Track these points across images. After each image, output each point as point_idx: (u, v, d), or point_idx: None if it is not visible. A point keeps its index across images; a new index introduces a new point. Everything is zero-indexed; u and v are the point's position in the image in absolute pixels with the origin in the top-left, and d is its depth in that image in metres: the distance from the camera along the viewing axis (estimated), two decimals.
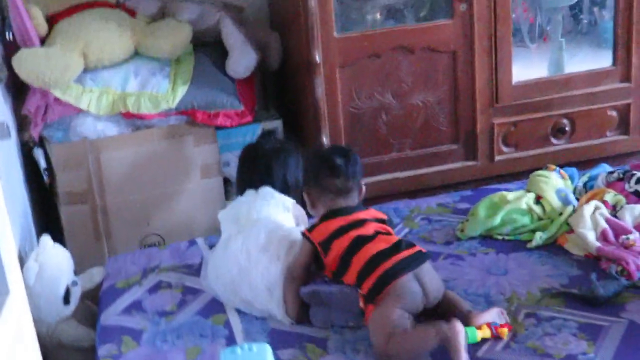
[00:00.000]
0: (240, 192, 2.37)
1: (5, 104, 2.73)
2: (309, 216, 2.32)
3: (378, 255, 1.92)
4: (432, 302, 1.92)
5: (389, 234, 2.04)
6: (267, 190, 2.29)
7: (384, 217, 2.11)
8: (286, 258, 2.11)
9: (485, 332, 1.89)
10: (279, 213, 2.24)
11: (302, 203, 2.34)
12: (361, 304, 1.95)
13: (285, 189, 2.32)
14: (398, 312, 1.85)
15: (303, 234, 2.08)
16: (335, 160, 2.06)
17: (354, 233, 1.99)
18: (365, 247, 1.95)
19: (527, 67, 3.23)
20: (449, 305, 1.95)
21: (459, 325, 1.79)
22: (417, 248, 1.96)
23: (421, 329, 1.86)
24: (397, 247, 1.93)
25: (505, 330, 1.90)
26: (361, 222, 2.03)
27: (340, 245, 1.99)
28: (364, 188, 2.14)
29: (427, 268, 1.93)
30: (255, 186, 2.31)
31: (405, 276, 1.87)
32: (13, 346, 1.36)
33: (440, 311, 1.94)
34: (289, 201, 2.30)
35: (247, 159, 2.41)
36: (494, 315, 1.92)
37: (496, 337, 1.90)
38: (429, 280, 1.91)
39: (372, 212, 2.11)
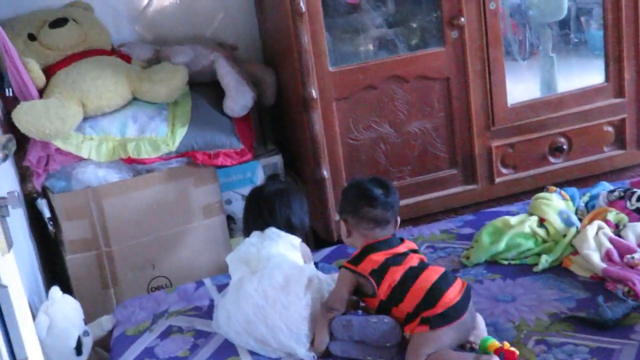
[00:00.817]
0: (247, 234, 2.39)
1: (15, 175, 2.77)
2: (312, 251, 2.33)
3: (436, 287, 2.00)
4: (473, 327, 2.04)
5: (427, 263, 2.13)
6: (272, 231, 2.32)
7: (416, 247, 2.18)
8: (305, 295, 2.13)
9: (493, 347, 1.94)
10: (287, 251, 2.26)
11: (306, 242, 2.39)
12: (407, 332, 2.01)
13: (290, 230, 2.35)
14: (452, 338, 1.96)
15: (345, 267, 2.11)
16: (374, 191, 2.12)
17: (406, 264, 2.06)
18: (421, 277, 2.02)
19: (519, 83, 3.26)
20: None
21: (495, 358, 1.87)
22: (462, 282, 2.05)
23: (460, 355, 1.94)
24: (446, 277, 2.03)
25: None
26: (404, 255, 2.10)
27: (393, 275, 2.04)
28: (399, 220, 2.20)
29: (471, 300, 2.05)
30: (261, 228, 2.34)
31: (465, 314, 1.98)
32: None
33: None
34: (296, 240, 2.32)
35: (252, 201, 2.44)
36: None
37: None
38: (472, 310, 2.05)
39: (407, 245, 2.16)
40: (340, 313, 2.11)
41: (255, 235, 2.34)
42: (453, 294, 1.99)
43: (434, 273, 2.04)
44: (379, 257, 2.07)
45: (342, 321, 2.07)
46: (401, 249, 2.12)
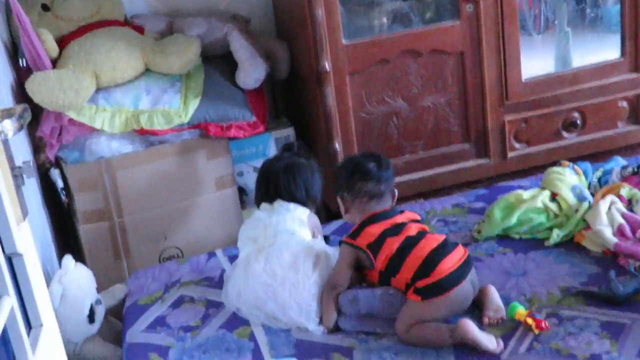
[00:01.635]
0: (257, 204, 2.41)
1: (28, 146, 2.79)
2: (323, 223, 2.34)
3: (432, 255, 2.01)
4: (475, 295, 2.06)
5: (427, 232, 2.13)
6: (281, 204, 2.32)
7: (418, 217, 2.19)
8: (314, 272, 2.15)
9: (522, 316, 1.97)
10: (295, 226, 2.26)
11: (317, 214, 2.39)
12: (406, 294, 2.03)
13: (298, 202, 2.35)
14: (441, 313, 1.98)
15: (343, 242, 2.13)
16: (367, 165, 2.15)
17: (402, 235, 2.07)
18: (418, 247, 2.04)
19: (533, 58, 3.23)
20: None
21: (465, 322, 1.91)
22: (463, 250, 2.07)
23: (437, 327, 1.96)
24: (445, 245, 2.04)
25: (538, 326, 1.94)
26: (402, 225, 2.11)
27: (390, 246, 2.06)
28: (396, 192, 2.22)
29: (473, 268, 2.07)
30: (270, 200, 2.35)
31: (463, 282, 2.00)
32: None
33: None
34: (304, 213, 2.32)
35: (261, 175, 2.45)
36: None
37: (529, 327, 1.95)
38: (475, 279, 2.06)
39: (407, 215, 2.18)
40: (344, 289, 2.12)
41: (264, 207, 2.35)
42: (450, 263, 2.00)
43: (431, 242, 2.05)
44: (375, 229, 2.09)
45: (349, 296, 2.08)
46: (399, 219, 2.13)
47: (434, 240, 2.06)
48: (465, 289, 2.02)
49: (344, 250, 2.13)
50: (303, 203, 2.37)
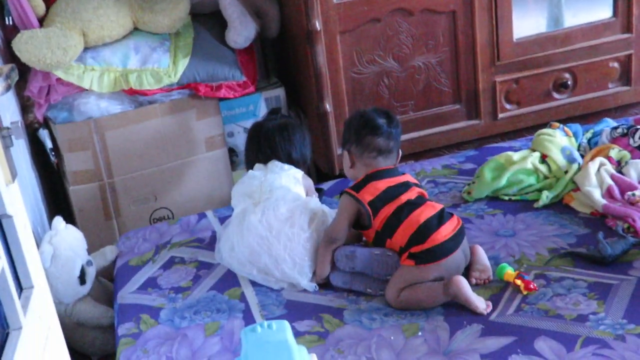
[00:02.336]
0: (249, 167, 2.40)
1: (16, 105, 2.76)
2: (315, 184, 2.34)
3: (428, 223, 2.02)
4: (467, 263, 2.09)
5: (427, 198, 2.15)
6: (275, 164, 2.33)
7: (417, 182, 2.20)
8: (309, 227, 2.17)
9: (511, 277, 2.00)
10: (290, 184, 2.27)
11: (308, 174, 2.40)
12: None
13: (291, 164, 2.35)
14: (434, 277, 1.99)
15: (347, 193, 2.12)
16: (378, 120, 2.15)
17: (402, 197, 2.08)
18: (415, 213, 2.04)
19: (525, 17, 3.20)
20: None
21: (459, 279, 1.93)
22: (457, 220, 2.07)
23: (429, 286, 1.98)
24: (441, 215, 2.05)
25: (527, 288, 1.96)
26: (407, 185, 2.12)
27: (390, 207, 2.07)
28: (401, 153, 2.23)
29: (465, 238, 2.08)
30: (264, 161, 2.35)
31: (457, 251, 2.02)
32: (43, 343, 1.40)
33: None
34: (298, 173, 2.33)
35: (253, 137, 2.44)
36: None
37: (518, 288, 1.98)
38: (467, 248, 2.09)
39: (409, 177, 2.18)
40: (342, 243, 2.13)
41: (259, 167, 2.35)
42: (445, 232, 2.01)
43: (429, 209, 2.05)
44: (380, 185, 2.10)
45: (346, 252, 2.09)
46: (404, 178, 2.14)
47: (432, 208, 2.06)
48: (457, 258, 2.03)
49: (345, 201, 2.12)
50: (297, 163, 2.37)
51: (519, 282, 1.97)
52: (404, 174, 2.18)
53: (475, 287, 2.01)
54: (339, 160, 2.97)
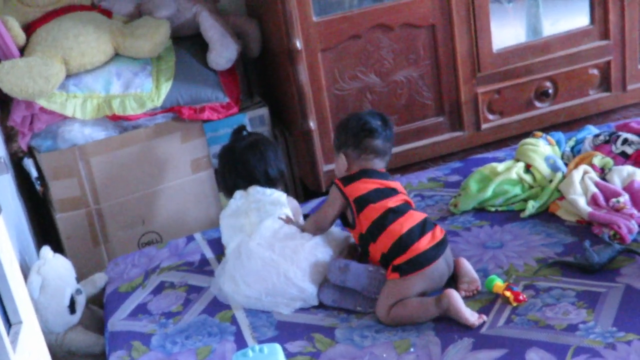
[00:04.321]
0: (228, 194, 2.40)
1: (0, 136, 2.76)
2: (301, 202, 2.34)
3: (410, 232, 2.04)
4: (450, 274, 2.10)
5: (412, 206, 2.17)
6: (257, 190, 2.32)
7: (404, 192, 2.22)
8: (313, 238, 2.20)
9: (500, 289, 2.00)
10: (277, 210, 2.27)
11: (286, 191, 2.44)
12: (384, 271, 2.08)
13: (270, 183, 2.35)
14: (420, 287, 2.02)
15: (336, 185, 2.15)
16: (374, 123, 2.19)
17: (387, 203, 2.10)
18: (399, 220, 2.06)
19: (504, 27, 3.23)
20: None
21: (451, 292, 1.95)
22: (440, 230, 2.10)
23: (421, 300, 1.99)
24: (424, 225, 2.07)
25: (516, 299, 1.97)
26: (394, 191, 2.15)
27: (373, 211, 2.09)
28: (390, 157, 2.28)
29: (448, 248, 2.10)
30: (243, 187, 2.34)
31: (438, 260, 2.04)
32: None
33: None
34: (283, 196, 2.33)
35: (227, 162, 2.43)
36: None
37: (507, 299, 1.98)
38: (450, 258, 2.10)
39: (399, 185, 2.21)
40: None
41: (239, 196, 2.34)
42: (426, 241, 2.03)
43: (412, 218, 2.08)
44: (370, 184, 2.13)
45: (340, 264, 2.09)
46: (393, 184, 2.18)
47: (414, 218, 2.08)
48: (440, 267, 2.05)
49: (333, 193, 2.17)
50: (276, 180, 2.38)
51: (508, 293, 1.98)
52: (393, 180, 2.22)
53: (465, 299, 2.01)
54: (326, 177, 2.99)
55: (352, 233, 2.21)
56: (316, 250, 2.17)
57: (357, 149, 2.18)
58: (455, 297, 1.94)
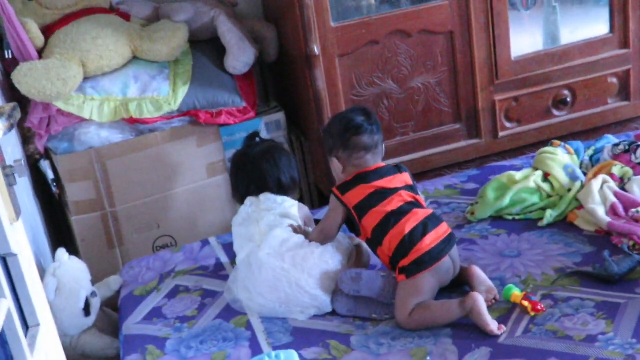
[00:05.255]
0: (240, 200, 2.39)
1: (17, 138, 2.77)
2: (316, 208, 2.33)
3: (413, 233, 2.03)
4: (456, 273, 2.09)
5: (417, 202, 2.14)
6: (268, 197, 2.31)
7: (411, 182, 2.20)
8: (320, 245, 2.18)
9: (517, 298, 1.99)
10: (287, 219, 2.26)
11: (300, 196, 2.41)
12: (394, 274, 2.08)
13: (282, 191, 2.34)
14: (431, 284, 2.02)
15: (335, 196, 2.15)
16: (357, 119, 2.18)
17: (387, 206, 2.08)
18: (401, 222, 2.05)
19: (522, 34, 3.21)
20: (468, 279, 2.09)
21: (476, 294, 1.94)
22: (446, 227, 2.08)
23: (444, 302, 2.00)
24: (427, 223, 2.05)
25: (534, 309, 1.96)
26: (394, 191, 2.12)
27: (374, 215, 2.09)
28: (384, 147, 2.25)
29: (455, 247, 2.09)
30: (255, 193, 2.34)
31: (444, 258, 2.02)
32: None
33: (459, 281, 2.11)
34: (293, 205, 2.32)
35: (240, 168, 2.42)
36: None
37: (525, 309, 1.97)
38: (456, 257, 2.09)
39: (402, 178, 2.18)
40: (332, 241, 2.18)
41: (250, 202, 2.33)
42: (429, 240, 2.02)
43: (415, 218, 2.05)
44: (367, 189, 2.12)
45: (352, 274, 2.08)
46: (392, 183, 2.14)
47: (417, 216, 2.06)
48: (447, 263, 2.04)
49: (333, 202, 2.17)
50: (288, 188, 2.36)
51: (526, 303, 1.96)
52: (400, 171, 2.19)
53: None
54: None
55: (360, 239, 2.20)
56: (326, 257, 2.16)
57: (346, 150, 2.17)
58: (480, 300, 1.93)
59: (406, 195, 2.12)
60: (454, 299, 1.99)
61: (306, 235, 2.22)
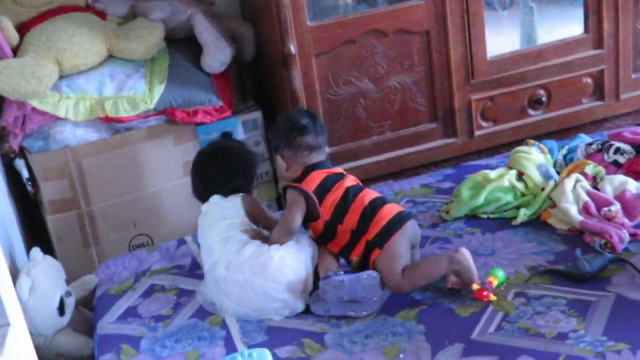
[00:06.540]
0: (200, 199, 2.39)
1: None
2: None
3: (373, 203, 2.15)
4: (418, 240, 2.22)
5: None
6: (217, 203, 2.29)
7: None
8: (281, 247, 2.16)
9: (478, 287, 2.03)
10: (235, 218, 2.24)
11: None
12: (353, 257, 2.15)
13: (231, 190, 2.31)
14: (405, 245, 2.12)
15: (291, 187, 2.19)
16: (302, 120, 2.25)
17: (342, 184, 2.19)
18: (360, 195, 2.17)
19: (499, 34, 3.24)
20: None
21: (464, 250, 2.08)
22: (399, 206, 2.20)
23: (432, 258, 2.15)
24: (383, 198, 2.20)
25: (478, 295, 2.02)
26: (342, 175, 2.23)
27: (333, 194, 2.17)
28: (327, 149, 2.39)
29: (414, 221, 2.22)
30: (205, 194, 2.34)
31: (408, 222, 2.13)
32: None
33: None
34: (234, 200, 2.29)
35: (192, 168, 2.43)
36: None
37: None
38: (416, 227, 2.21)
39: (343, 170, 2.29)
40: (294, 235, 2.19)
41: (205, 210, 2.32)
42: (387, 210, 2.13)
43: (371, 193, 2.19)
44: (319, 175, 2.20)
45: (334, 282, 2.07)
46: (338, 170, 2.26)
47: (372, 193, 2.20)
48: (410, 226, 2.14)
49: (292, 195, 2.18)
50: (239, 189, 2.32)
51: (475, 286, 2.01)
52: (338, 168, 2.29)
53: (455, 302, 2.03)
54: None
55: (313, 227, 2.20)
56: (286, 259, 2.13)
57: (291, 148, 2.23)
58: (468, 255, 2.05)
59: (353, 179, 2.24)
60: (443, 255, 2.10)
61: (264, 238, 2.21)
